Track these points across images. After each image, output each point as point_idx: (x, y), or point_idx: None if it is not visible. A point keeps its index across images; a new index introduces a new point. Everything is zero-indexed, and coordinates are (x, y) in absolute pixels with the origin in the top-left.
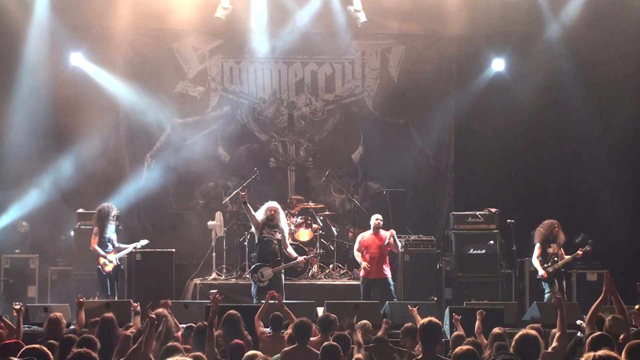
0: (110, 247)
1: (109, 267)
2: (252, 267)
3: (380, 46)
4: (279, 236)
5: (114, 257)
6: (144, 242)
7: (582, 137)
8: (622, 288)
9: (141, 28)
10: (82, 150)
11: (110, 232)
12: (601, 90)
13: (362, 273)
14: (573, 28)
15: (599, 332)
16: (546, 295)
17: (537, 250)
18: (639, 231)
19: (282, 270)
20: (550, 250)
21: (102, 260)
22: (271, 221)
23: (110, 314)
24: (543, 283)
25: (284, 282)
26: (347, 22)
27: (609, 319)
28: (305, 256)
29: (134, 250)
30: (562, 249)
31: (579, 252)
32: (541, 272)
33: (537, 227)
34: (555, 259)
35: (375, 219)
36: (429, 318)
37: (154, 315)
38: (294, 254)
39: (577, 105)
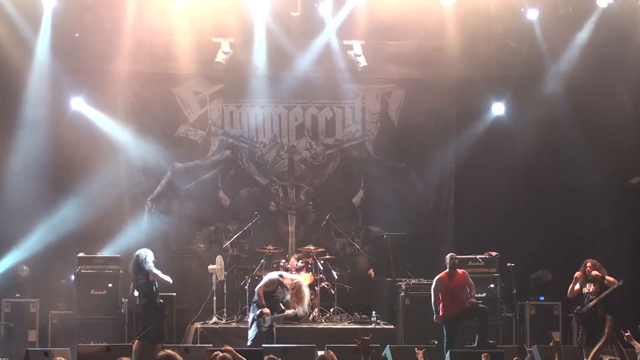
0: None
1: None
2: (259, 311)
3: (380, 90)
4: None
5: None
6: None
7: (582, 180)
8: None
9: (141, 72)
10: (83, 194)
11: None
12: (600, 133)
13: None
14: (572, 72)
15: None
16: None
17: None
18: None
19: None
20: (585, 290)
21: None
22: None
23: (126, 359)
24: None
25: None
26: (347, 66)
27: None
28: (293, 310)
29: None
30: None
31: (608, 292)
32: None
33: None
34: (591, 297)
35: (450, 257)
36: None
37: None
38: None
39: (576, 149)
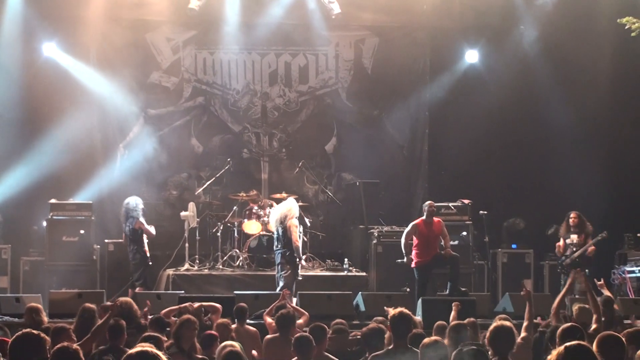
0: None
1: None
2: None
3: (354, 37)
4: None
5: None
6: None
7: (555, 127)
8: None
9: (114, 18)
10: (55, 141)
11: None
12: (573, 80)
13: (414, 263)
14: (546, 20)
15: (570, 324)
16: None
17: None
18: (613, 220)
19: None
20: (569, 240)
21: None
22: None
23: (91, 305)
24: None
25: None
26: (321, 13)
27: (575, 309)
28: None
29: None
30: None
31: (592, 243)
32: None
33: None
34: (574, 249)
35: (429, 205)
36: (399, 309)
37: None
38: None
39: (549, 96)
